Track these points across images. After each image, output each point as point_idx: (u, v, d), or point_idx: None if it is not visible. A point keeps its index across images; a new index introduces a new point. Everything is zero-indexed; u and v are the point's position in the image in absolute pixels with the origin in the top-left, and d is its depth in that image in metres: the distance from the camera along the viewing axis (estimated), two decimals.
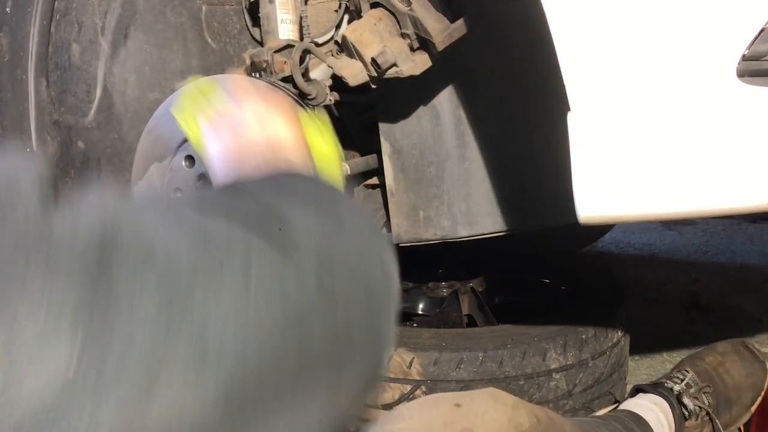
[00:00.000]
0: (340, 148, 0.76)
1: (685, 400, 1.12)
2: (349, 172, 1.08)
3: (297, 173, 0.55)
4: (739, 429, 1.23)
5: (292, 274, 0.35)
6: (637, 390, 1.17)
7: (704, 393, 1.15)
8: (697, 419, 1.14)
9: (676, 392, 1.13)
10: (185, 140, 1.04)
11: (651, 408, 1.11)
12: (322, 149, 0.73)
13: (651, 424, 1.08)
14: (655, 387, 1.15)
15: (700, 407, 1.13)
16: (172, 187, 1.06)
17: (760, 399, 1.19)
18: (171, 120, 1.04)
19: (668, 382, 1.16)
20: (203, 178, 1.02)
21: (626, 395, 1.19)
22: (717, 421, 1.15)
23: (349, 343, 0.39)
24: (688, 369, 1.19)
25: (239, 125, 0.64)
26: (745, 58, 0.74)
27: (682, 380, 1.15)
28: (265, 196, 0.41)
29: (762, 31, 0.73)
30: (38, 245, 0.29)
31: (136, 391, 0.29)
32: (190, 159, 1.04)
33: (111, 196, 0.35)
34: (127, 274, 0.30)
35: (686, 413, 1.12)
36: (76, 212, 0.32)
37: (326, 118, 0.79)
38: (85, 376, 0.28)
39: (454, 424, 0.78)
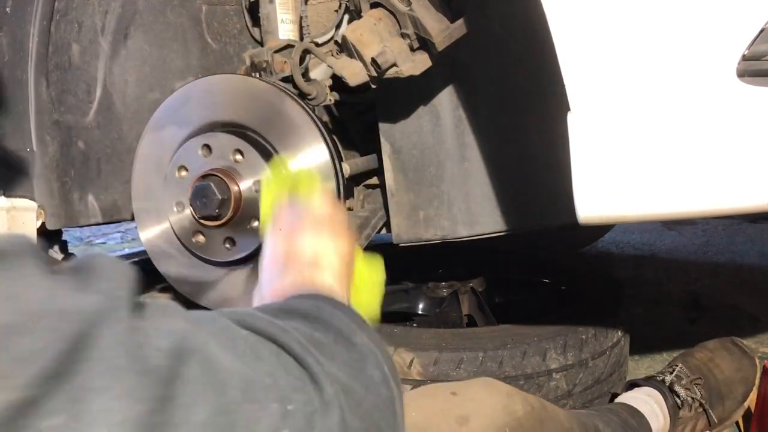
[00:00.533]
0: (381, 288, 0.80)
1: (677, 388, 1.14)
2: (349, 173, 1.08)
3: (329, 301, 0.61)
4: (738, 425, 1.23)
5: (319, 413, 0.43)
6: (631, 384, 1.18)
7: (696, 385, 1.17)
8: (690, 410, 1.15)
9: (667, 383, 1.15)
10: (205, 127, 1.06)
11: (645, 400, 1.12)
12: (364, 289, 0.76)
13: (646, 416, 1.09)
14: (648, 380, 1.17)
15: (692, 398, 1.15)
16: (178, 164, 1.08)
17: (752, 393, 1.20)
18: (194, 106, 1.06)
19: (659, 375, 1.18)
20: (207, 177, 1.03)
21: (621, 391, 1.20)
22: (711, 412, 1.16)
23: None
24: (678, 363, 1.20)
25: (299, 237, 0.69)
26: (745, 58, 0.74)
27: (673, 372, 1.17)
28: (303, 327, 0.49)
29: (762, 31, 0.73)
30: (125, 360, 0.35)
31: None
32: (208, 148, 1.06)
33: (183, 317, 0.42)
34: (186, 400, 0.36)
35: (679, 402, 1.13)
36: (159, 329, 0.39)
37: (380, 260, 0.82)
38: None
39: (450, 411, 0.78)
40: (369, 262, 0.78)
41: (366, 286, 0.77)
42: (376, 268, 0.79)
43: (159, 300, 0.42)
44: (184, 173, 1.09)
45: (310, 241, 0.68)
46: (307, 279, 0.63)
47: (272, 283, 0.65)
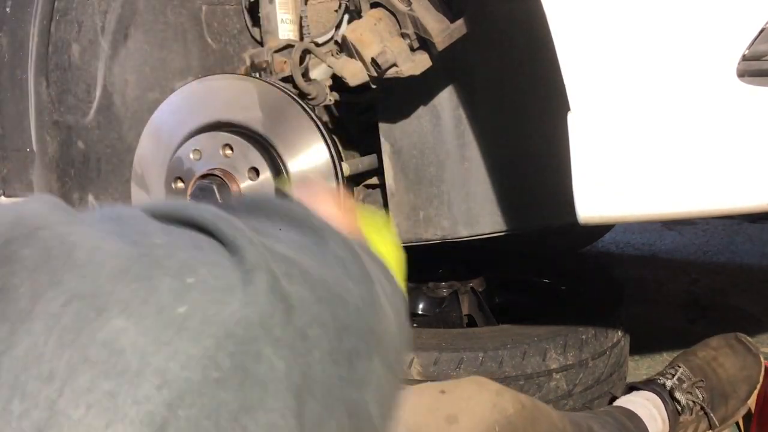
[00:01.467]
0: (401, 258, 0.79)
1: (677, 395, 1.13)
2: (349, 172, 1.08)
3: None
4: (738, 425, 1.23)
5: (238, 285, 0.32)
6: (631, 388, 1.18)
7: (697, 387, 1.16)
8: (691, 414, 1.14)
9: (668, 388, 1.14)
10: (194, 132, 1.06)
11: (643, 404, 1.12)
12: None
13: (644, 419, 1.08)
14: (647, 384, 1.16)
15: (693, 402, 1.14)
16: (173, 176, 1.07)
17: (756, 392, 1.19)
18: (180, 110, 1.06)
19: (660, 378, 1.17)
20: (206, 177, 1.03)
21: (620, 393, 1.19)
22: (712, 415, 1.15)
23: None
24: (680, 364, 1.19)
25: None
26: (745, 58, 0.74)
27: (674, 375, 1.16)
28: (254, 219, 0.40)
29: (762, 31, 0.73)
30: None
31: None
32: (198, 152, 1.05)
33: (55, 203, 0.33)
34: (19, 283, 0.29)
35: (679, 408, 1.13)
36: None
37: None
38: None
39: (440, 410, 0.78)
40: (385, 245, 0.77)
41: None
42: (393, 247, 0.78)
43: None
44: (180, 184, 1.08)
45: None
46: None
47: None
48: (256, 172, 1.03)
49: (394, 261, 0.72)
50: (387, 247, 0.72)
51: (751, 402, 1.20)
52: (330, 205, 0.55)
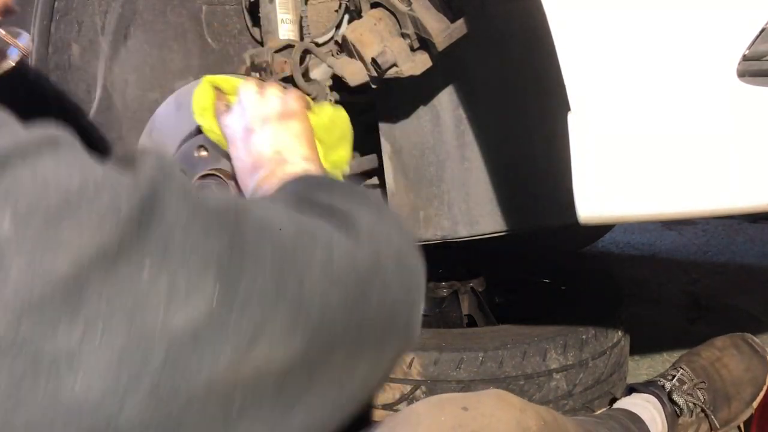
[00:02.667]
0: (348, 136, 0.86)
1: (675, 397, 1.12)
2: (349, 172, 1.08)
3: (333, 181, 0.68)
4: (739, 428, 1.23)
5: (359, 253, 0.48)
6: (631, 389, 1.17)
7: (699, 389, 1.15)
8: (691, 416, 1.13)
9: (666, 390, 1.13)
10: (196, 132, 1.05)
11: (645, 406, 1.11)
12: (331, 147, 0.79)
13: (646, 422, 1.08)
14: (647, 385, 1.16)
15: (694, 404, 1.13)
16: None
17: (761, 394, 1.18)
18: (180, 115, 1.06)
19: (660, 380, 1.17)
20: (206, 177, 1.02)
21: (621, 394, 1.19)
22: (713, 417, 1.15)
23: (393, 312, 0.50)
24: (682, 366, 1.18)
25: (254, 142, 0.75)
26: (745, 58, 0.74)
27: (674, 377, 1.15)
28: (328, 199, 0.56)
29: (762, 31, 0.73)
30: (194, 210, 0.40)
31: (246, 341, 0.39)
32: (204, 149, 1.04)
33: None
34: (252, 241, 0.42)
35: (677, 410, 1.12)
36: (216, 192, 0.46)
37: (340, 109, 0.86)
38: (218, 319, 0.38)
39: (463, 428, 0.77)
40: (330, 118, 0.82)
41: (334, 143, 0.82)
42: (338, 120, 0.83)
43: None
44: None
45: (265, 140, 0.73)
46: (281, 177, 0.68)
47: (255, 194, 0.70)
48: None
49: (344, 135, 0.86)
50: (337, 129, 0.85)
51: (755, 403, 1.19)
52: (294, 98, 0.79)
